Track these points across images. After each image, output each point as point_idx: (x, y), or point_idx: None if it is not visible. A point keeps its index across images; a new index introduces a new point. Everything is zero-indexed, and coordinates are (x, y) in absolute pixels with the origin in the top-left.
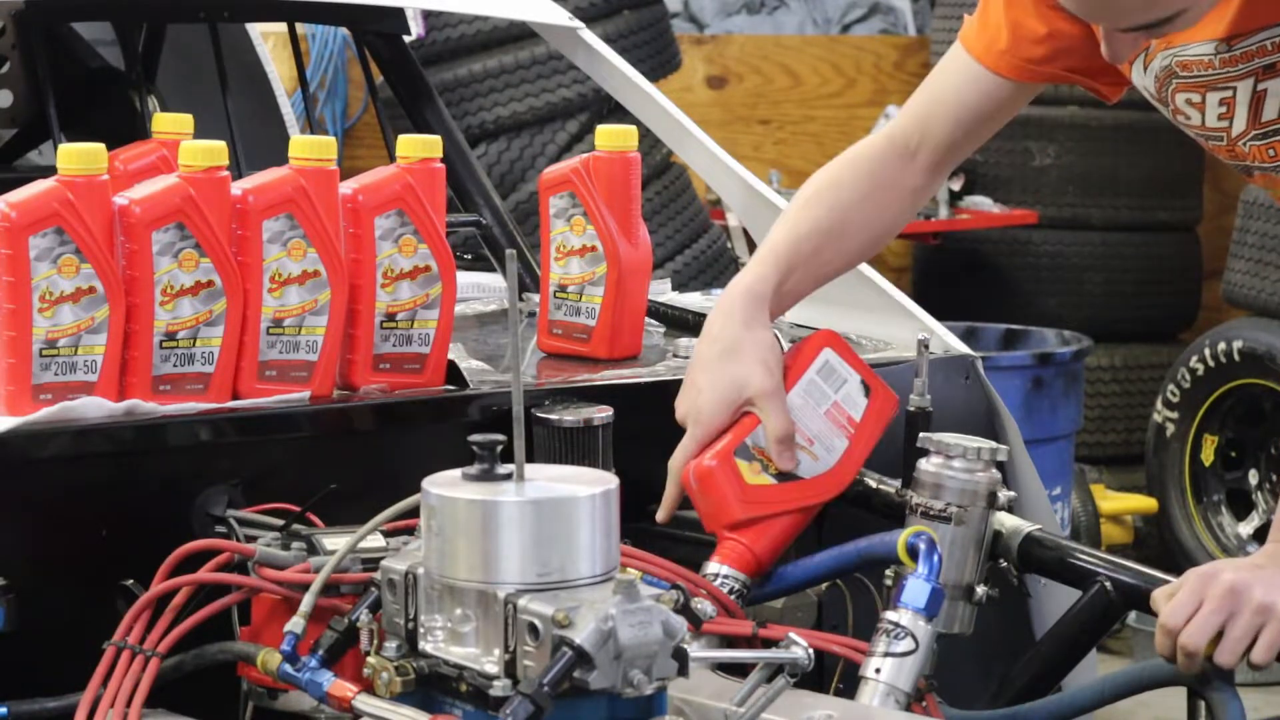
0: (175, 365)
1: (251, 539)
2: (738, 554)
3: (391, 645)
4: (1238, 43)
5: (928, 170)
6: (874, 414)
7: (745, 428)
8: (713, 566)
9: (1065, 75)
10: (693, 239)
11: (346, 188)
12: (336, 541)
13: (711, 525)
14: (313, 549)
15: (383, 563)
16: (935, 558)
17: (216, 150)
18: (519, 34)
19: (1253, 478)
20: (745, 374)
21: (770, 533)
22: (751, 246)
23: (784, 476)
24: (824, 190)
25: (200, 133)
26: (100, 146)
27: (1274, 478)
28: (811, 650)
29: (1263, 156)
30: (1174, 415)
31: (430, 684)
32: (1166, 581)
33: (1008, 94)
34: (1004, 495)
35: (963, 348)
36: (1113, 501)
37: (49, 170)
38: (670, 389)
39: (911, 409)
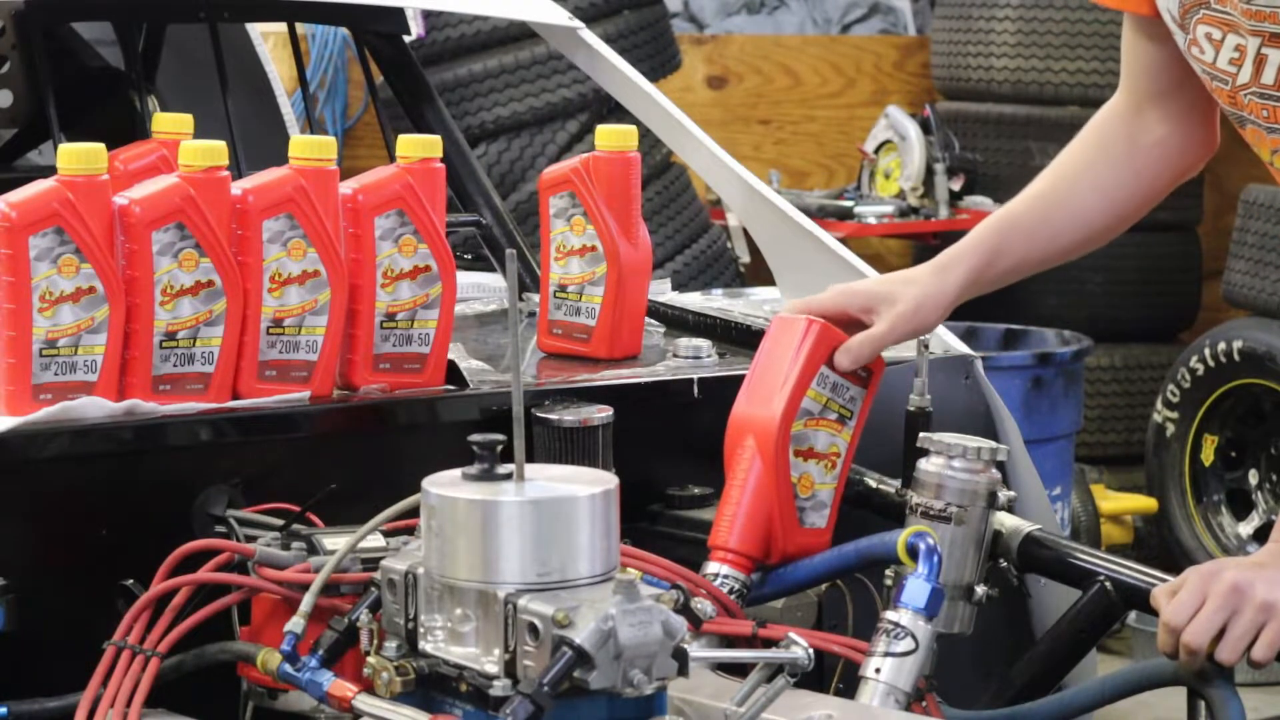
0: (175, 365)
1: (251, 539)
2: (734, 558)
3: (391, 645)
4: None
5: (1163, 120)
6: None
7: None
8: (712, 566)
9: None
10: (693, 239)
11: (346, 188)
12: (336, 541)
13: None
14: (313, 549)
15: (383, 563)
16: (935, 558)
17: (216, 150)
18: (519, 34)
19: (1253, 478)
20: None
21: (752, 527)
22: (752, 246)
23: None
24: (1049, 168)
25: (200, 133)
26: (100, 146)
27: (1274, 478)
28: (811, 650)
29: (1258, 114)
30: (1174, 415)
31: (430, 684)
32: (1166, 581)
33: (1161, 32)
34: (1004, 495)
35: (963, 348)
36: (1113, 501)
37: (49, 170)
38: (670, 389)
39: (911, 409)
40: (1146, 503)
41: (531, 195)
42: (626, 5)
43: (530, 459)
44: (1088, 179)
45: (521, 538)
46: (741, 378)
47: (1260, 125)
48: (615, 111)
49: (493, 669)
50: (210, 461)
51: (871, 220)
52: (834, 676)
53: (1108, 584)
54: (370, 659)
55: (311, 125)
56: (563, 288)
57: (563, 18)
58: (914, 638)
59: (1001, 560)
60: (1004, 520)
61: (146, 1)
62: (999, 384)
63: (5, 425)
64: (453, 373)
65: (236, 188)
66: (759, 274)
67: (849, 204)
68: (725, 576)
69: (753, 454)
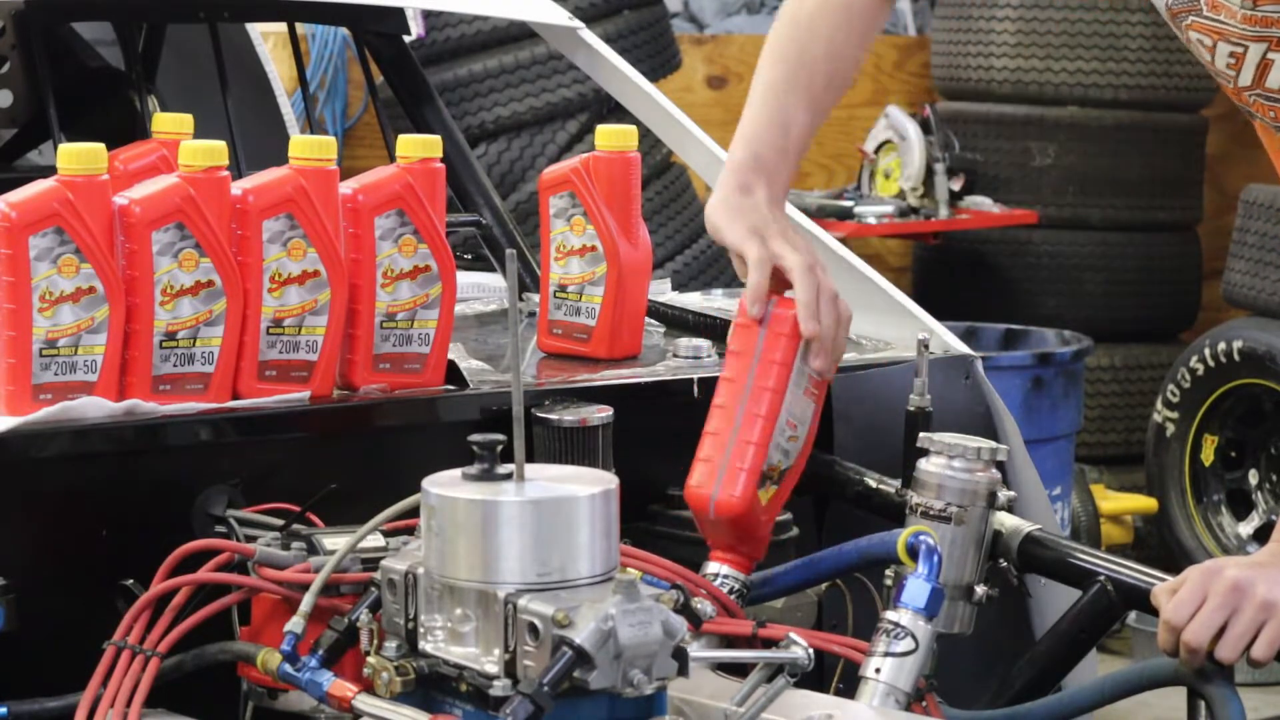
0: (175, 365)
1: (251, 539)
2: (734, 557)
3: (391, 645)
4: (1263, 4)
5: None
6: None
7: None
8: (713, 566)
9: None
10: (693, 239)
11: (346, 188)
12: (336, 541)
13: (718, 544)
14: (313, 549)
15: (383, 563)
16: (935, 558)
17: (216, 150)
18: (519, 34)
19: (1253, 478)
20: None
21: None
22: None
23: (781, 476)
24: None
25: (200, 133)
26: (100, 146)
27: (1274, 478)
28: (811, 650)
29: (1264, 112)
30: (1174, 415)
31: (430, 684)
32: (1166, 581)
33: None
34: (1004, 495)
35: (963, 348)
36: (1113, 501)
37: (49, 170)
38: (670, 389)
39: (911, 409)
40: (1146, 503)
41: (531, 195)
42: (626, 5)
43: (530, 459)
44: (826, 56)
45: (521, 538)
46: None
47: (1269, 123)
48: (615, 111)
49: (493, 669)
50: (210, 461)
51: (871, 220)
52: (834, 676)
53: (1108, 584)
54: (370, 659)
55: (311, 125)
56: (563, 288)
57: (563, 18)
58: (914, 638)
59: (1001, 560)
60: (1004, 520)
61: (146, 1)
62: (999, 384)
63: (5, 425)
64: (453, 373)
65: (236, 188)
66: None
67: (849, 204)
68: (725, 576)
69: None
